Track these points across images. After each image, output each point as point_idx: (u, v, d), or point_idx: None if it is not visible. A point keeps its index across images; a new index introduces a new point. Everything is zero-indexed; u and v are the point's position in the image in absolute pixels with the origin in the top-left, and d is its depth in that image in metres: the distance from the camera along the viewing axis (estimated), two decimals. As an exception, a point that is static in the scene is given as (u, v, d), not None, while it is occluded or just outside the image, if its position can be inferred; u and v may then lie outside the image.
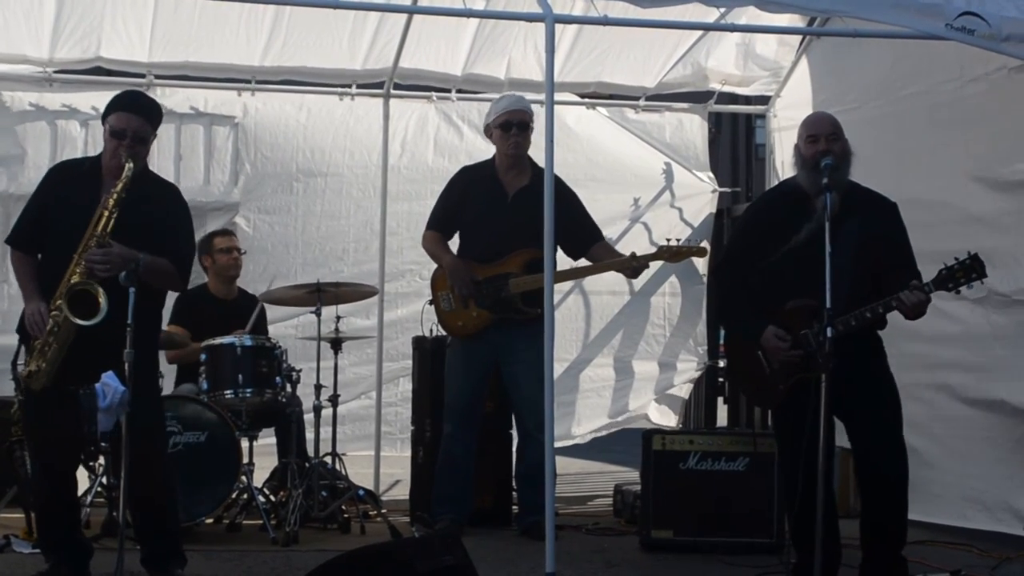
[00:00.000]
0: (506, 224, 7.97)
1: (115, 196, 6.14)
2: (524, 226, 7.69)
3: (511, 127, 8.06)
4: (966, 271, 5.96)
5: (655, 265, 10.19)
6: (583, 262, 8.30)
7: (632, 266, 8.16)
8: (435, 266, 8.28)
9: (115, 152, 6.26)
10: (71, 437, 6.23)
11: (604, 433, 10.61)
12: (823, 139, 6.34)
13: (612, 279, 10.19)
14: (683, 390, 10.66)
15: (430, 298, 8.25)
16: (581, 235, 8.07)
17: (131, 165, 6.20)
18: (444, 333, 8.36)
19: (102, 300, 5.98)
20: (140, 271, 6.04)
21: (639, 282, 10.30)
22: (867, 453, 6.35)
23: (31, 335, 6.18)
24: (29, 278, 6.32)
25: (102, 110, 6.47)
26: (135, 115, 6.33)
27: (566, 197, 7.98)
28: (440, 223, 8.22)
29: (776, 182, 10.42)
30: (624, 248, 9.18)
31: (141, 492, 6.27)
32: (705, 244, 9.65)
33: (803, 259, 6.15)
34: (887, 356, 6.41)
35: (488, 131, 8.24)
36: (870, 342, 6.31)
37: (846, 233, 6.14)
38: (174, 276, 6.41)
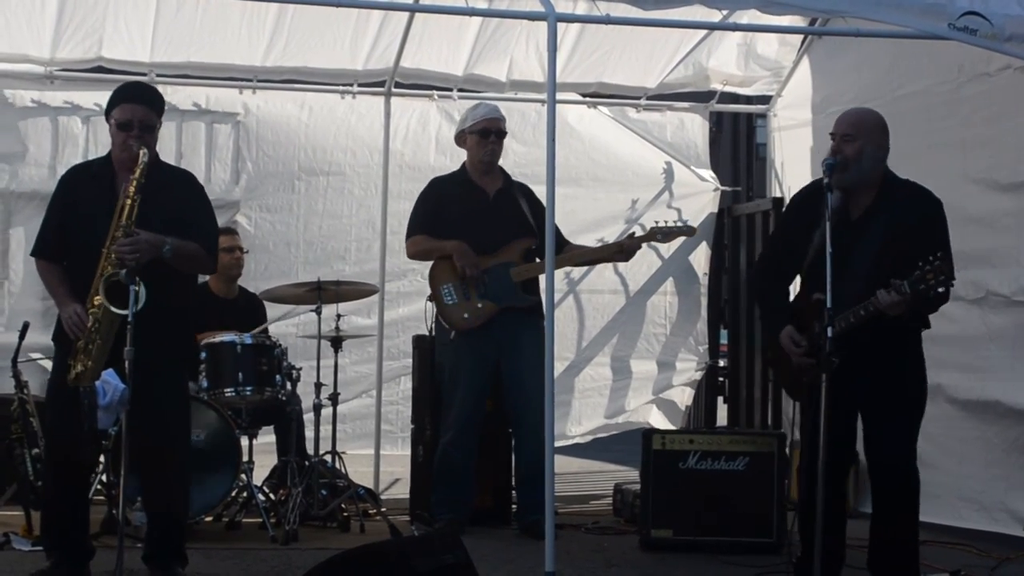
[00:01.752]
0: (492, 220, 8.07)
1: (135, 183, 6.14)
2: (509, 221, 7.93)
3: (490, 134, 8.17)
4: (935, 272, 5.89)
5: (654, 265, 10.27)
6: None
7: (628, 247, 8.24)
8: (430, 266, 8.27)
9: (124, 144, 6.27)
10: (88, 436, 6.24)
11: (603, 435, 10.63)
12: (838, 138, 6.30)
13: (612, 279, 10.21)
14: (685, 394, 10.66)
15: (430, 294, 8.24)
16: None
17: (146, 151, 6.22)
18: (434, 332, 8.36)
19: (140, 288, 5.97)
20: (169, 257, 6.09)
21: (638, 282, 10.32)
22: (872, 443, 6.33)
23: (73, 336, 6.14)
24: (58, 283, 6.32)
25: (104, 106, 6.48)
26: (139, 105, 6.34)
27: (539, 204, 8.11)
28: (423, 227, 8.20)
29: (775, 182, 10.45)
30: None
31: (154, 490, 6.31)
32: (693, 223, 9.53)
33: (823, 255, 6.12)
34: (916, 350, 6.28)
35: (461, 137, 8.30)
36: (892, 337, 6.17)
37: (872, 230, 6.14)
38: (204, 258, 6.45)
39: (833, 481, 6.22)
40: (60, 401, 6.28)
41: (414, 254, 8.33)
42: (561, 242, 8.16)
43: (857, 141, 6.26)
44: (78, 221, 6.31)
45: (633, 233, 8.44)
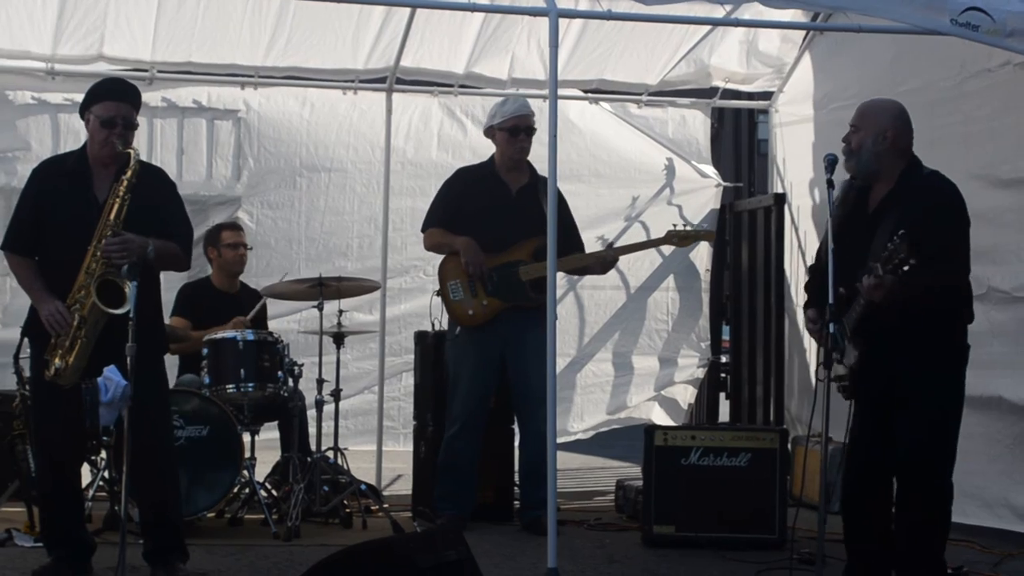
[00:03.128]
0: (512, 217, 8.03)
1: (126, 183, 6.15)
2: (529, 219, 7.88)
3: (519, 132, 8.17)
4: (896, 250, 5.88)
5: (655, 262, 10.27)
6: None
7: (610, 258, 8.28)
8: (440, 260, 8.27)
9: (106, 141, 6.26)
10: (77, 431, 6.24)
11: (604, 430, 10.64)
12: (849, 129, 6.36)
13: (613, 275, 10.20)
14: (687, 392, 10.66)
15: (437, 288, 8.25)
16: (566, 241, 8.09)
17: (137, 152, 6.25)
18: (445, 327, 8.38)
19: (128, 289, 5.97)
20: (152, 258, 6.10)
21: (639, 278, 10.32)
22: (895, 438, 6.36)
23: (54, 334, 6.13)
24: (33, 278, 6.30)
25: None
26: (123, 103, 6.34)
27: (561, 202, 8.08)
28: (441, 220, 8.22)
29: (777, 178, 10.44)
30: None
31: (145, 485, 6.30)
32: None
33: (843, 247, 6.18)
34: (947, 344, 6.22)
35: (491, 132, 8.27)
36: (922, 329, 6.11)
37: (884, 224, 6.17)
38: (180, 257, 6.46)
39: (873, 483, 6.23)
40: (43, 397, 6.29)
41: (429, 247, 8.35)
42: (575, 244, 8.17)
43: (860, 132, 6.30)
44: (54, 215, 6.28)
45: (612, 243, 8.42)
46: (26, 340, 7.41)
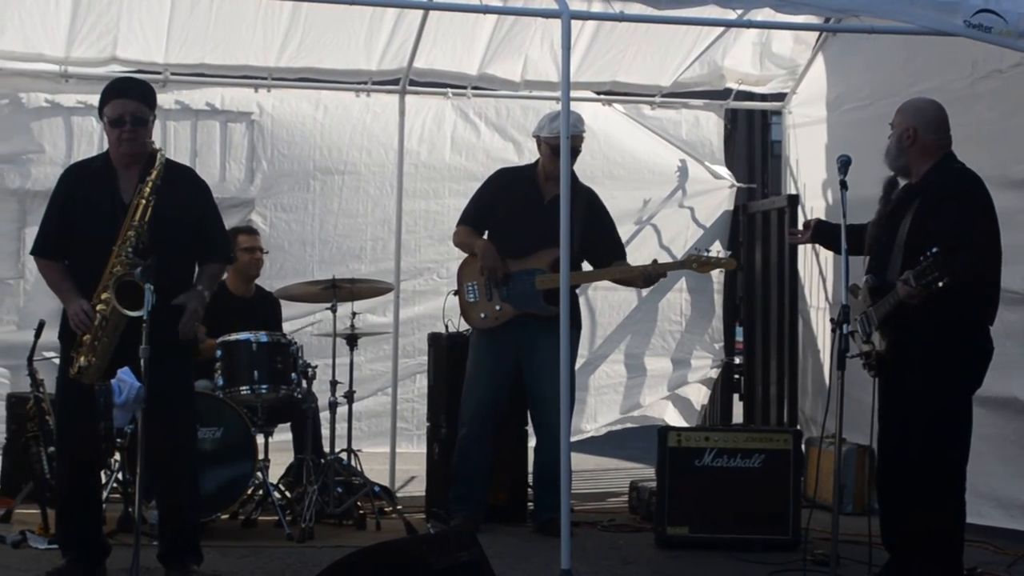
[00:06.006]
0: (539, 226, 7.87)
1: (151, 184, 6.17)
2: (554, 229, 7.74)
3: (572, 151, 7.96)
4: (931, 268, 5.94)
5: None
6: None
7: (649, 273, 8.13)
8: (455, 263, 8.26)
9: (119, 141, 6.28)
10: (98, 432, 6.25)
11: (618, 428, 10.63)
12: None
13: (628, 275, 10.23)
14: (700, 393, 10.66)
15: (454, 289, 8.25)
16: (604, 250, 8.12)
17: (163, 152, 6.29)
18: (460, 329, 8.40)
19: (146, 292, 5.98)
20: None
21: (652, 278, 10.31)
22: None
23: (79, 331, 6.15)
24: (62, 280, 6.32)
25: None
26: (130, 100, 6.32)
27: (598, 212, 8.17)
28: (471, 219, 8.23)
29: (791, 179, 10.44)
30: (633, 252, 9.09)
31: (163, 487, 6.32)
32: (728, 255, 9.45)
33: (875, 238, 6.44)
34: (957, 347, 6.28)
35: (537, 140, 8.20)
36: (935, 331, 6.19)
37: (905, 216, 6.33)
38: (222, 272, 6.76)
39: (898, 486, 6.28)
40: (70, 399, 6.30)
41: (456, 244, 8.36)
42: (615, 252, 8.18)
43: (894, 129, 6.50)
44: (81, 218, 6.30)
45: (656, 260, 8.32)
46: (39, 342, 7.48)
